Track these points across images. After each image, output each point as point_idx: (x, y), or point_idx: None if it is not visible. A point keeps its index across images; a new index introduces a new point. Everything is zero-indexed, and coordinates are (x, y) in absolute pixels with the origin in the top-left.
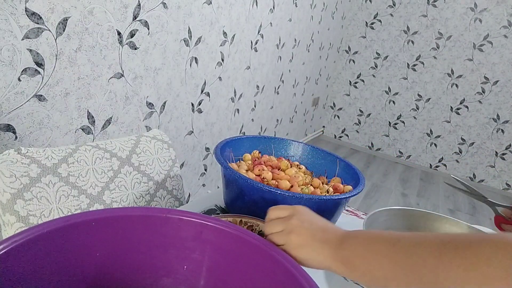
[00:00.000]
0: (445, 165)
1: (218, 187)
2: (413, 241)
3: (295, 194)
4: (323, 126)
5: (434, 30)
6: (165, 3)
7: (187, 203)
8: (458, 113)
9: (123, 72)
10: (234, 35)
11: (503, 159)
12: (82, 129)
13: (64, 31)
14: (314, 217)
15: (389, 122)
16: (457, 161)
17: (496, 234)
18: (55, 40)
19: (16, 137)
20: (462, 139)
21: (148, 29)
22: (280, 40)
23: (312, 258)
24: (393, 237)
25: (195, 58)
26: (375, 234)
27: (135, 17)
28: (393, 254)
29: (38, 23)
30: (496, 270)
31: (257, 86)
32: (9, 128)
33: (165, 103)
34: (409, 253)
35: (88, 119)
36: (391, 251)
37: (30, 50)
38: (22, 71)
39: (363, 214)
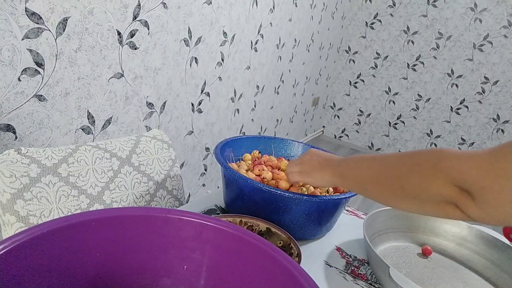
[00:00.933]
0: None
1: (218, 187)
2: (386, 156)
3: (295, 194)
4: (323, 126)
5: (434, 30)
6: (165, 3)
7: (187, 203)
8: (458, 113)
9: (123, 72)
10: (234, 35)
11: None
12: (82, 129)
13: (64, 31)
14: (321, 153)
15: (389, 122)
16: None
17: (441, 148)
18: (55, 40)
19: (16, 137)
20: (462, 139)
21: (148, 29)
22: (280, 40)
23: (319, 178)
24: (374, 155)
25: (195, 58)
26: (362, 155)
27: (135, 17)
28: (372, 164)
29: (38, 23)
30: (427, 163)
31: (257, 86)
32: (9, 128)
33: (165, 103)
34: (383, 162)
35: (88, 119)
36: (371, 162)
37: (30, 50)
38: (22, 71)
39: (363, 214)
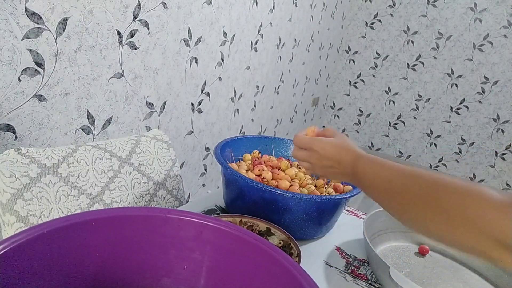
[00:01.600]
0: (445, 165)
1: (218, 187)
2: (405, 169)
3: (295, 194)
4: (323, 126)
5: (434, 30)
6: (165, 3)
7: (187, 203)
8: (458, 113)
9: (123, 72)
10: (234, 35)
11: (503, 159)
12: (82, 129)
13: (64, 31)
14: (330, 155)
15: (389, 122)
16: (457, 161)
17: (469, 188)
18: (55, 40)
19: (16, 137)
20: (462, 139)
21: (148, 29)
22: (280, 40)
23: (330, 177)
24: (390, 164)
25: (195, 58)
26: (380, 160)
27: (135, 17)
28: (389, 174)
29: (38, 23)
30: (456, 211)
31: (257, 86)
32: (9, 128)
33: (165, 103)
34: (404, 179)
35: (88, 119)
36: (388, 171)
37: (30, 50)
38: (22, 71)
39: (363, 214)
